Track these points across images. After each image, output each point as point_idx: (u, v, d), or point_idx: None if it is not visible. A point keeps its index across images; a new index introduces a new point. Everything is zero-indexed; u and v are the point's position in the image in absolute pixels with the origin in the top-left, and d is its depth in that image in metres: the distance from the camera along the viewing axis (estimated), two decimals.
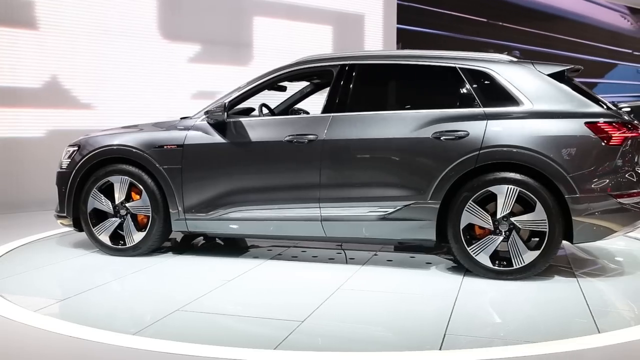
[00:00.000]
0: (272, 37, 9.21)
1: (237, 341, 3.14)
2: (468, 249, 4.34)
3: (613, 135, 4.18)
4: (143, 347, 3.03)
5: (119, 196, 4.99)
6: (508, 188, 4.24)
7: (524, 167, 4.25)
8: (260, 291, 4.14)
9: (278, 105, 5.78)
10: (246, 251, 5.38)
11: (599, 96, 4.54)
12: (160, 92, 8.56)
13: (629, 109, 7.97)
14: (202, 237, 5.68)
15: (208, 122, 4.86)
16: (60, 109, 7.95)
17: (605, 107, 4.38)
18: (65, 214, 5.15)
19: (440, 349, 3.03)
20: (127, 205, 4.98)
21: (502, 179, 4.26)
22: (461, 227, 4.34)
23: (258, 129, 4.82)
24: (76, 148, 5.15)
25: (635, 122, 4.38)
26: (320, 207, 4.59)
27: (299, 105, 5.75)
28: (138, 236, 4.97)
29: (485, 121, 4.33)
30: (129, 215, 4.99)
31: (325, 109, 4.71)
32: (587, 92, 4.47)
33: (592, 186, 4.15)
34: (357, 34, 9.78)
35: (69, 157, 5.18)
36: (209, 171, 4.82)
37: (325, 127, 4.61)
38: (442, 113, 4.44)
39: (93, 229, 5.05)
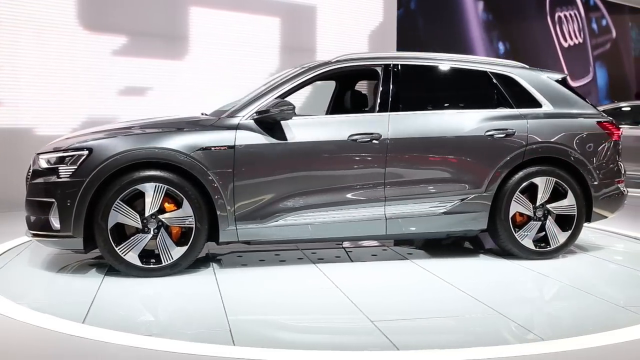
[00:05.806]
0: (211, 29, 8.31)
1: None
2: (516, 235, 4.84)
3: (615, 132, 5.11)
4: None
5: (150, 207, 4.26)
6: (547, 179, 4.87)
7: (551, 160, 4.91)
8: (390, 293, 4.10)
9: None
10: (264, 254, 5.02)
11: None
12: (82, 87, 7.50)
13: (629, 109, 9.23)
14: None
15: (262, 120, 4.44)
16: None
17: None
18: (71, 233, 4.19)
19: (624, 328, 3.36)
20: (161, 217, 4.29)
21: (541, 171, 4.87)
22: (510, 216, 4.82)
23: (317, 127, 4.60)
24: (86, 152, 4.22)
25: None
26: (385, 206, 4.62)
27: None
28: (177, 252, 4.31)
29: (526, 120, 4.88)
30: (162, 228, 4.31)
31: (380, 108, 4.73)
32: (581, 95, 5.32)
33: (604, 174, 5.02)
34: (309, 27, 9.11)
35: (72, 164, 4.21)
36: (267, 174, 4.42)
37: (387, 125, 4.64)
38: (490, 113, 4.88)
39: (117, 249, 4.23)
